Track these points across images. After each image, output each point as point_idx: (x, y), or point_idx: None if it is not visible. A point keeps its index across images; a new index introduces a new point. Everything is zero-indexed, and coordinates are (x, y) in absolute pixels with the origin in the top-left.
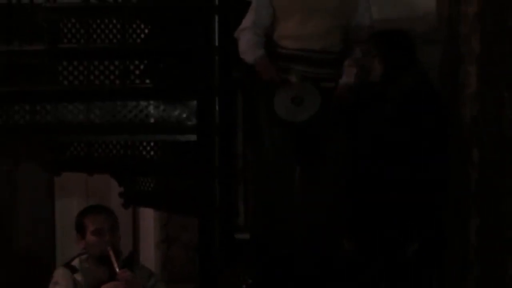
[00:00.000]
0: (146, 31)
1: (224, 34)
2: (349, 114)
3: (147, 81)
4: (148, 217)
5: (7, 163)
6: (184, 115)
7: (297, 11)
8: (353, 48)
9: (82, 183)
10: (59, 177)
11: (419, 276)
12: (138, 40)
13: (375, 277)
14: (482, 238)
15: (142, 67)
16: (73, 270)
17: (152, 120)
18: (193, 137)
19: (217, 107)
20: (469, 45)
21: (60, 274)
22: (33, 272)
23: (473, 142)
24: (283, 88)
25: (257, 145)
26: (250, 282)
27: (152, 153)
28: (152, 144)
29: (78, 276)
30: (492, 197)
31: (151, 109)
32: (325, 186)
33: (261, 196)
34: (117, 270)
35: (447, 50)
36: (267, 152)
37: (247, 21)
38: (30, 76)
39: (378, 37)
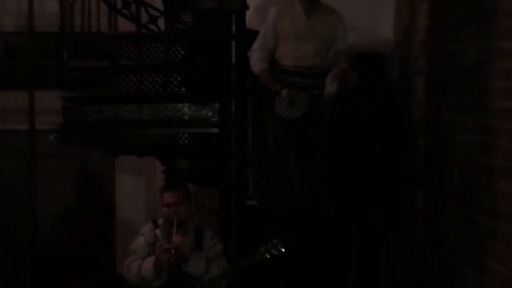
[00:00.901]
0: (182, 52)
1: (239, 55)
2: (332, 114)
3: (183, 89)
4: None
5: (80, 149)
6: (210, 114)
7: (292, 37)
8: (334, 66)
9: (134, 163)
10: (118, 159)
11: (381, 232)
12: (177, 59)
13: (348, 233)
14: (426, 205)
15: (179, 79)
16: (156, 225)
17: (186, 117)
18: (216, 130)
19: (233, 108)
20: (418, 64)
21: (146, 229)
22: (100, 227)
23: (421, 134)
24: (281, 94)
25: (263, 136)
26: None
27: (186, 141)
28: (186, 135)
29: (158, 231)
30: (434, 175)
31: (186, 109)
32: (313, 167)
33: (265, 173)
34: (174, 235)
35: (402, 68)
36: (270, 141)
37: (256, 44)
38: (97, 85)
39: (356, 56)
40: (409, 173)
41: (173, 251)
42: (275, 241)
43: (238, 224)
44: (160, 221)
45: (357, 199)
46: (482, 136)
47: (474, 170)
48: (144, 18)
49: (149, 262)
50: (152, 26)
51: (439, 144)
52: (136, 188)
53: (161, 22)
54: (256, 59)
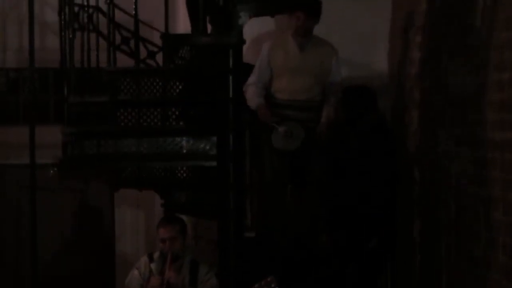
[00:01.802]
0: (180, 87)
1: (236, 89)
2: (327, 146)
3: (181, 123)
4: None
5: (80, 183)
6: (207, 147)
7: (287, 71)
8: (329, 98)
9: (134, 196)
10: (117, 192)
11: (377, 262)
12: (175, 94)
13: (344, 263)
14: (422, 236)
15: (177, 112)
16: (151, 260)
17: (184, 151)
18: (213, 163)
19: (231, 141)
20: (412, 96)
21: (141, 262)
22: (99, 260)
23: (415, 164)
24: (278, 127)
25: (260, 167)
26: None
27: (184, 174)
28: (184, 168)
29: (153, 265)
30: (430, 205)
31: (184, 143)
32: (309, 198)
33: (262, 205)
34: (167, 270)
35: (396, 100)
36: (267, 173)
37: (252, 78)
38: (96, 120)
39: (346, 90)
40: (404, 203)
41: (164, 286)
42: (268, 279)
43: (236, 255)
44: (156, 255)
45: (353, 230)
46: (477, 167)
47: (470, 201)
48: (143, 53)
49: None
50: (151, 61)
51: (434, 174)
52: (135, 221)
53: (159, 57)
54: (252, 94)
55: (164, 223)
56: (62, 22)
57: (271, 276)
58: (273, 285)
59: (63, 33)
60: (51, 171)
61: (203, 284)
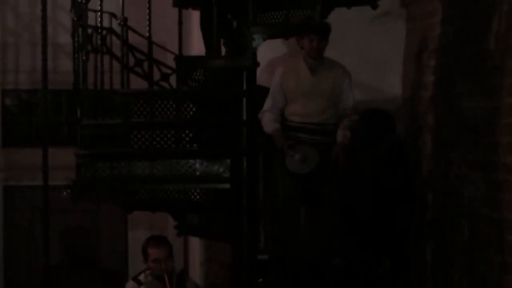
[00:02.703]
0: (194, 109)
1: (250, 111)
2: (341, 169)
3: (194, 145)
4: (195, 243)
5: (93, 205)
6: (221, 170)
7: (301, 95)
8: (343, 121)
9: (147, 218)
10: (131, 214)
11: (390, 286)
12: (188, 116)
13: (357, 286)
14: (435, 259)
15: (190, 135)
16: (139, 283)
17: (198, 173)
18: (227, 186)
19: (244, 164)
20: (425, 119)
21: (130, 287)
22: (111, 284)
23: (428, 188)
24: (292, 151)
25: (273, 191)
26: None
27: (198, 197)
28: (198, 190)
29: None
30: (442, 228)
31: (197, 165)
32: (323, 221)
33: (276, 227)
34: None
35: (410, 123)
36: (280, 196)
37: (267, 105)
38: (110, 142)
39: (362, 113)
40: (417, 226)
41: None
42: None
43: (250, 278)
44: (143, 277)
45: (366, 253)
46: (490, 190)
47: (483, 224)
48: (156, 75)
49: None
50: (164, 83)
51: (447, 198)
52: None
53: (172, 79)
54: (268, 120)
55: (156, 244)
56: (76, 44)
57: None
58: None
59: (76, 55)
60: (64, 193)
61: None
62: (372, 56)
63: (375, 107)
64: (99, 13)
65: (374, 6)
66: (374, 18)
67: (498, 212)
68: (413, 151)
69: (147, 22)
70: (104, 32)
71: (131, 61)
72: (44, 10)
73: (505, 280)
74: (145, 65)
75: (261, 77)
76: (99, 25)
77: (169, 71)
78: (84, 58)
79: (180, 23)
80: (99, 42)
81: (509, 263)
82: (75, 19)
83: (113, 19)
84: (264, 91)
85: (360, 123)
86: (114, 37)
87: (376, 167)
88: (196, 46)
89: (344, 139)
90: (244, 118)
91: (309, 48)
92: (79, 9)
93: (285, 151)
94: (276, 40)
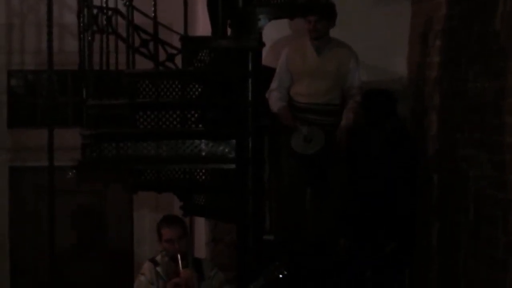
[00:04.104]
0: (200, 90)
1: (255, 92)
2: (346, 149)
3: (200, 125)
4: (201, 223)
5: (99, 185)
6: (226, 150)
7: (305, 75)
8: (348, 102)
9: (153, 199)
10: (136, 194)
11: (396, 266)
12: (194, 97)
13: (363, 267)
14: (440, 240)
15: (196, 115)
16: (156, 263)
17: (203, 154)
18: (232, 166)
19: (250, 145)
20: (431, 100)
21: (146, 268)
22: (118, 265)
23: (434, 169)
24: (297, 131)
25: (278, 171)
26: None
27: (203, 177)
28: (203, 171)
29: (159, 269)
30: (448, 208)
31: (203, 145)
32: (328, 202)
33: (281, 208)
34: (181, 270)
35: (415, 104)
36: (286, 177)
37: (274, 84)
38: (115, 122)
39: (368, 94)
40: (423, 207)
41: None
42: (276, 263)
43: (255, 258)
44: (160, 258)
45: (371, 234)
46: (495, 171)
47: (488, 204)
48: (162, 55)
49: None
50: (170, 64)
51: (453, 178)
52: (154, 223)
53: (178, 60)
54: (275, 99)
55: (169, 224)
56: (81, 25)
57: (278, 262)
58: (281, 270)
59: (82, 36)
60: (70, 174)
61: (211, 280)
62: (378, 38)
63: (379, 88)
64: None
65: None
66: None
67: (504, 193)
68: (419, 132)
69: (153, 2)
70: (110, 12)
71: (137, 41)
72: None
73: (511, 260)
74: (151, 45)
75: (267, 57)
76: (104, 5)
77: (174, 52)
78: (89, 38)
79: (185, 3)
80: (104, 22)
81: None
82: None
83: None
84: (270, 72)
85: (364, 105)
86: (119, 18)
87: (380, 149)
88: (202, 27)
89: (348, 121)
90: (250, 98)
91: (313, 29)
92: None
93: (293, 127)
94: (282, 20)
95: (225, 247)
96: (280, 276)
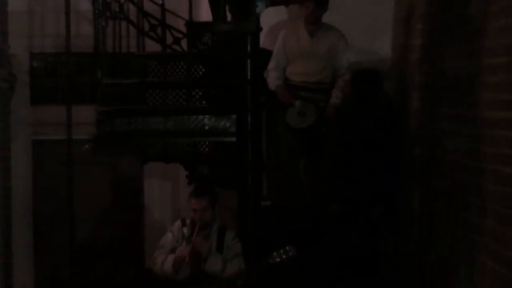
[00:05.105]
0: (203, 70)
1: (254, 72)
2: (337, 124)
3: (204, 102)
4: None
5: (112, 157)
6: (228, 125)
7: (300, 56)
8: (337, 81)
9: (161, 169)
10: (146, 165)
11: (381, 227)
12: (198, 76)
13: (352, 229)
14: (421, 204)
15: (200, 93)
16: (184, 224)
17: (206, 128)
18: (233, 139)
19: (249, 120)
20: (413, 79)
21: (175, 226)
22: (130, 226)
23: (416, 141)
24: (292, 107)
25: (275, 144)
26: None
27: (206, 149)
28: (206, 143)
29: (185, 229)
30: (428, 177)
31: (206, 120)
32: (320, 171)
33: (278, 177)
34: (194, 237)
35: (399, 83)
36: (282, 149)
37: (271, 65)
38: (127, 100)
39: (355, 73)
40: (406, 176)
41: (188, 252)
42: (287, 247)
43: (255, 222)
44: (188, 221)
45: (359, 199)
46: (472, 143)
47: (464, 174)
48: (169, 39)
49: (170, 259)
50: (176, 47)
51: (432, 150)
52: (163, 191)
53: (184, 43)
54: (272, 78)
55: (195, 195)
56: (96, 11)
57: (290, 246)
58: (291, 254)
59: (96, 21)
60: (86, 146)
61: (229, 249)
62: (365, 22)
63: (364, 68)
64: None
65: None
66: None
67: (478, 162)
68: (402, 108)
69: None
70: (122, 0)
71: (146, 26)
72: None
73: (483, 222)
74: (159, 30)
75: (265, 40)
76: None
77: (180, 36)
78: (103, 24)
79: None
80: (117, 9)
81: (487, 208)
82: None
83: None
84: (267, 54)
85: (353, 83)
86: (130, 5)
87: (368, 123)
88: (205, 13)
89: (337, 99)
90: (249, 78)
91: (307, 14)
92: None
93: (288, 104)
94: (278, 6)
95: (226, 212)
96: (288, 259)
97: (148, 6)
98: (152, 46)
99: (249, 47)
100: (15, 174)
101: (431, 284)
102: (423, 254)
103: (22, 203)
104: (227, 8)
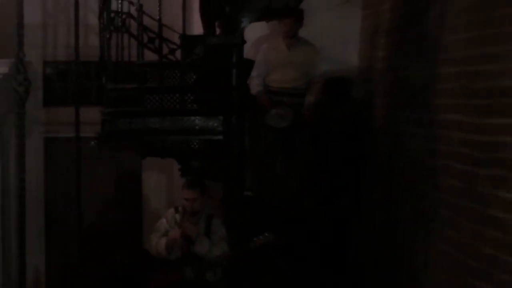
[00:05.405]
0: (195, 77)
1: (239, 79)
2: (310, 125)
3: (195, 105)
4: None
5: (115, 152)
6: (216, 125)
7: (279, 66)
8: (311, 87)
9: (157, 163)
10: (145, 160)
11: (347, 214)
12: (190, 82)
13: (323, 216)
14: (382, 195)
15: (192, 97)
16: (177, 211)
17: (197, 127)
18: (220, 137)
19: (234, 121)
20: (377, 86)
21: (169, 213)
22: (130, 214)
23: (379, 140)
24: (272, 110)
25: (256, 142)
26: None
27: (197, 146)
28: (197, 141)
29: (177, 216)
30: (390, 173)
31: (197, 121)
32: (295, 166)
33: (258, 171)
34: (185, 223)
35: (365, 89)
36: (262, 146)
37: (254, 73)
38: (128, 102)
39: (326, 80)
40: (371, 170)
41: (179, 235)
42: (266, 234)
43: (239, 211)
44: (180, 208)
45: (329, 192)
46: (428, 142)
47: (422, 169)
48: (165, 50)
49: (163, 242)
50: (171, 57)
51: (394, 148)
52: (159, 183)
53: (178, 53)
54: (254, 84)
55: (187, 186)
56: (101, 25)
57: (268, 232)
58: (269, 239)
59: (102, 34)
60: (92, 143)
61: (215, 234)
62: (336, 36)
63: (333, 76)
64: (120, 1)
65: None
66: (337, 5)
67: (433, 159)
68: (368, 112)
69: (158, 8)
70: (124, 15)
71: (145, 38)
72: None
73: (437, 212)
74: (156, 42)
75: (249, 52)
76: (120, 10)
77: (175, 47)
78: (108, 36)
79: (184, 9)
80: (120, 23)
81: (442, 198)
82: (101, 5)
83: (131, 5)
84: (250, 63)
85: (325, 89)
86: (131, 20)
87: (337, 125)
88: (196, 27)
89: (310, 102)
90: (234, 84)
91: (285, 29)
92: None
93: (267, 108)
94: (260, 22)
95: (214, 201)
96: (268, 244)
97: (147, 21)
98: (150, 56)
99: (234, 58)
100: (29, 168)
101: (393, 265)
102: (385, 239)
103: (35, 193)
104: (216, 23)
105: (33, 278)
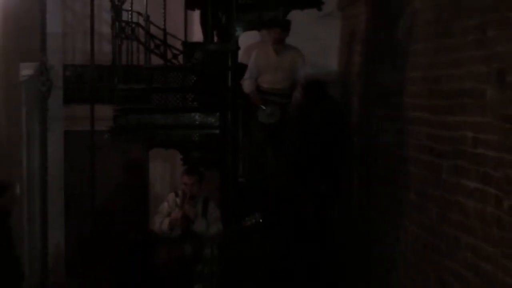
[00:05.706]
0: (195, 79)
1: (234, 81)
2: (295, 120)
3: (195, 103)
4: None
5: (126, 144)
6: (213, 120)
7: (268, 69)
8: (297, 88)
9: (162, 153)
10: (151, 150)
11: (328, 200)
12: (191, 84)
13: (306, 200)
14: (359, 183)
15: (192, 96)
16: (177, 195)
17: (197, 123)
18: (217, 131)
19: (229, 117)
20: (354, 88)
21: (170, 197)
22: (138, 198)
23: (356, 134)
24: (262, 108)
25: (249, 135)
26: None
27: (197, 139)
28: (197, 134)
29: (178, 199)
30: (365, 162)
31: (197, 117)
32: (283, 156)
33: (250, 161)
34: (185, 205)
35: (343, 90)
36: (254, 139)
37: (246, 75)
38: (137, 101)
39: (306, 82)
40: (348, 160)
41: (180, 216)
42: (255, 214)
43: (233, 195)
44: (180, 193)
45: (312, 178)
46: (398, 136)
47: (393, 159)
48: (169, 55)
49: (166, 221)
50: (175, 61)
51: (368, 141)
52: (163, 171)
53: (180, 58)
54: (247, 85)
55: (187, 172)
56: (114, 33)
57: (257, 213)
58: (258, 219)
59: (114, 41)
60: (105, 136)
61: (211, 215)
62: (318, 43)
63: (312, 79)
64: (130, 12)
65: (319, 9)
66: (319, 17)
67: (401, 150)
68: (346, 109)
69: (163, 19)
70: (133, 25)
71: (152, 45)
72: (92, 10)
73: (406, 196)
74: (162, 48)
75: (242, 57)
76: (130, 20)
77: (178, 53)
78: (119, 43)
79: (185, 19)
80: (129, 32)
81: (409, 185)
82: (114, 16)
83: (139, 16)
84: (243, 67)
85: (306, 90)
86: (140, 29)
87: (318, 120)
88: (197, 35)
89: (295, 101)
90: (229, 85)
91: (274, 37)
92: (116, 9)
93: (258, 107)
94: (252, 31)
95: (211, 187)
96: (256, 223)
97: (153, 30)
98: (156, 61)
99: (230, 62)
100: (50, 156)
101: (368, 244)
102: (362, 221)
103: (56, 179)
104: (214, 32)
105: (54, 251)
